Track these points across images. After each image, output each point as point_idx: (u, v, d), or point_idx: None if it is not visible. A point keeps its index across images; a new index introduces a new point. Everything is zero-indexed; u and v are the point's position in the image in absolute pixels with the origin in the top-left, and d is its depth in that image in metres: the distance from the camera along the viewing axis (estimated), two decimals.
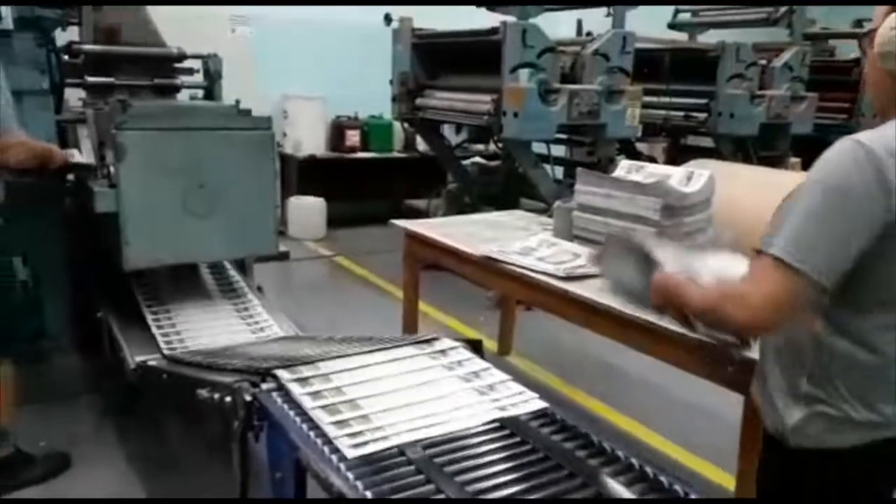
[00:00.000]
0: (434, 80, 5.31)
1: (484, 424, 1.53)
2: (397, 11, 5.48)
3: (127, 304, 2.90)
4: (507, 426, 1.54)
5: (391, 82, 5.42)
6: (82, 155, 3.01)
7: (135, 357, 2.47)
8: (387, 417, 1.50)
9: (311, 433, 1.36)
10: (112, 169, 2.56)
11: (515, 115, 4.23)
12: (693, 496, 1.29)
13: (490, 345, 4.00)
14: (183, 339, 2.62)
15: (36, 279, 3.10)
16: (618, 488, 1.30)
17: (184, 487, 2.53)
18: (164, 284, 2.99)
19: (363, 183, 7.21)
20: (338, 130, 7.28)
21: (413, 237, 3.35)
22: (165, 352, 2.48)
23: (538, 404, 1.64)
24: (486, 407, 1.61)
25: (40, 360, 3.14)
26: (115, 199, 2.56)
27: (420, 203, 6.66)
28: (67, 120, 3.09)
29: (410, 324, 3.52)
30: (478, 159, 6.20)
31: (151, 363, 2.41)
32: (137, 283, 2.96)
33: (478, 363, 1.77)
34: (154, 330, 2.70)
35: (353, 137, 7.31)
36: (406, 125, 5.40)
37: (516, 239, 3.02)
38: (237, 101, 2.95)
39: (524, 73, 4.25)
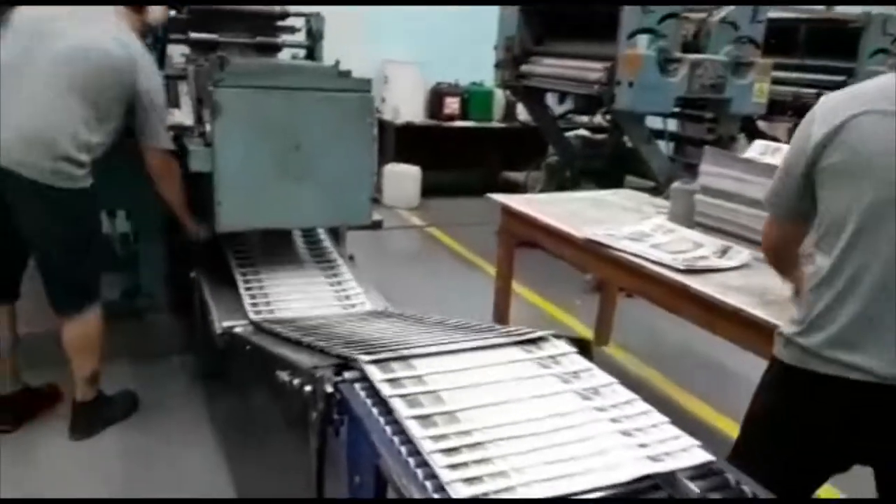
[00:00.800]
0: (541, 46, 5.01)
1: (634, 482, 1.14)
2: None
3: (219, 265, 2.85)
4: (664, 486, 1.17)
5: (495, 48, 5.16)
6: (181, 111, 2.97)
7: (222, 322, 2.40)
8: (504, 448, 1.20)
9: (396, 439, 1.17)
10: (208, 127, 2.48)
11: (630, 84, 3.90)
12: None
13: (585, 332, 3.75)
14: (271, 306, 2.53)
15: (135, 235, 3.11)
16: None
17: (257, 465, 2.48)
18: (257, 248, 2.91)
19: (460, 152, 7.02)
20: (437, 97, 7.10)
21: (510, 213, 3.14)
22: (252, 317, 2.40)
23: (701, 456, 1.24)
24: (632, 454, 1.22)
25: (135, 317, 3.17)
26: (209, 158, 2.48)
27: (518, 175, 6.40)
28: (169, 76, 3.06)
29: (502, 305, 3.32)
30: (582, 131, 5.86)
31: (237, 330, 2.33)
32: (230, 244, 2.90)
33: (598, 376, 1.48)
34: (243, 293, 2.63)
35: (452, 105, 7.12)
36: (508, 93, 5.12)
37: (625, 222, 2.75)
38: (337, 62, 2.80)
39: (643, 39, 3.90)
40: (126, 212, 3.26)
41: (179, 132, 2.69)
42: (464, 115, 7.18)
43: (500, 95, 7.24)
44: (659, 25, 3.93)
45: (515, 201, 3.14)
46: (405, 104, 6.87)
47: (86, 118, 2.34)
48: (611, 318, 3.75)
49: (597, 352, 3.60)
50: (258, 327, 2.31)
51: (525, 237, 3.12)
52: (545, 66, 4.83)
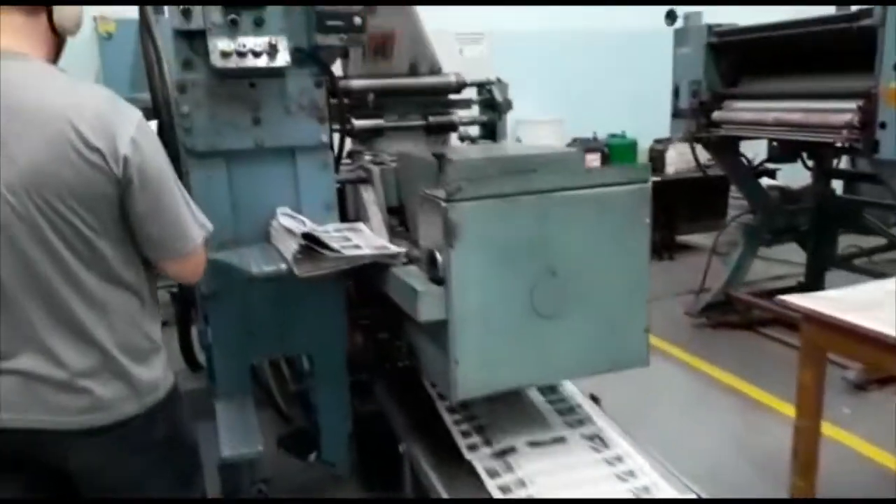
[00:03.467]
0: (735, 87, 4.15)
1: None
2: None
3: (430, 428, 2.09)
4: None
5: (676, 93, 4.33)
6: (369, 225, 2.25)
7: None
8: None
9: None
10: (438, 256, 1.73)
11: None
12: None
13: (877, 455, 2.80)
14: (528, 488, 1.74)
15: (314, 386, 2.39)
16: None
17: None
18: (479, 404, 2.13)
19: None
20: None
21: (818, 322, 2.24)
22: None
23: None
24: None
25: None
26: (442, 301, 1.72)
27: (699, 238, 5.48)
28: (348, 180, 2.37)
29: (807, 451, 2.38)
30: (776, 182, 4.92)
31: None
32: (443, 405, 2.13)
33: None
34: (486, 478, 1.84)
35: (593, 161, 6.31)
36: (696, 145, 4.27)
37: None
38: (575, 142, 2.02)
39: None
40: (299, 357, 2.56)
41: (383, 259, 1.96)
42: None
43: (643, 147, 6.45)
44: None
45: (828, 305, 2.24)
46: None
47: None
48: None
49: None
50: None
51: (853, 356, 2.22)
52: (748, 112, 3.95)
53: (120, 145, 1.31)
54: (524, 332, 1.80)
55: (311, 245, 1.85)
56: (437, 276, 1.74)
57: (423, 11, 2.85)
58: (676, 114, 4.35)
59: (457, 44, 5.85)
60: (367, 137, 2.82)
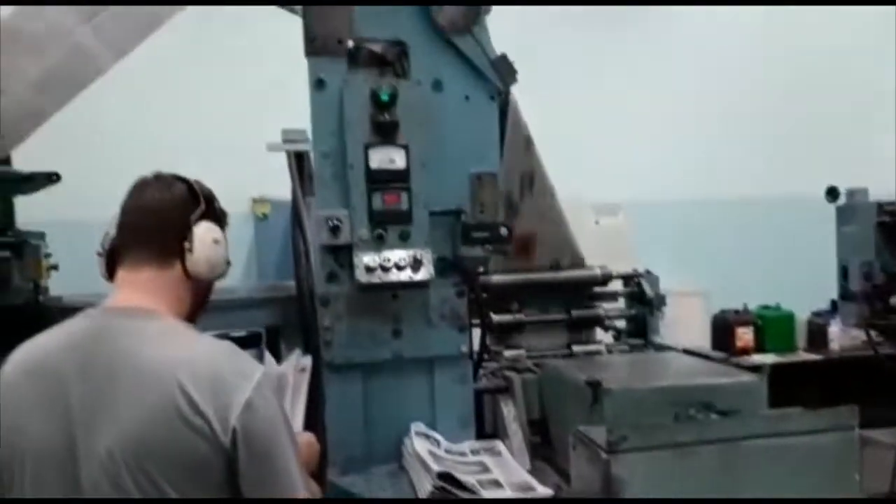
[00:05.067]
0: None
1: None
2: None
3: None
4: None
5: (844, 274, 3.93)
6: (509, 444, 2.02)
7: None
8: None
9: None
10: None
11: None
12: None
13: None
14: None
15: None
16: None
17: None
18: None
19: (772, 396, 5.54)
20: (724, 328, 5.84)
21: None
22: None
23: None
24: None
25: None
26: None
27: (873, 433, 4.73)
28: (487, 390, 2.20)
29: None
30: None
31: None
32: None
33: None
34: None
35: (744, 336, 5.80)
36: (872, 332, 3.78)
37: None
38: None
39: None
40: None
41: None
42: (759, 347, 5.81)
43: (801, 321, 5.88)
44: None
45: None
46: (688, 339, 5.68)
47: None
48: None
49: None
50: None
51: None
52: None
53: (231, 412, 1.21)
54: None
55: (447, 486, 1.65)
56: None
57: (557, 183, 2.75)
58: (846, 296, 3.93)
59: (593, 214, 5.76)
60: (506, 333, 2.67)
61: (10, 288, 2.78)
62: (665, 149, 6.16)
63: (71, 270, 3.23)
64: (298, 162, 3.58)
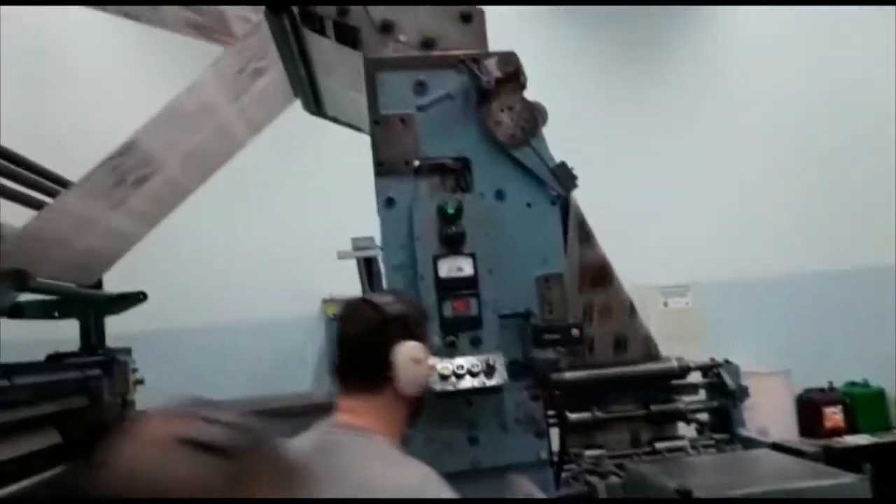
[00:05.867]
0: None
1: None
2: None
3: None
4: None
5: None
6: None
7: None
8: None
9: None
10: None
11: None
12: None
13: None
14: None
15: None
16: None
17: None
18: None
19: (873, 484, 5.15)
20: (810, 408, 5.55)
21: None
22: None
23: None
24: None
25: None
26: None
27: None
28: (570, 497, 2.15)
29: None
30: None
31: None
32: None
33: None
34: None
35: (833, 416, 5.49)
36: None
37: None
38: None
39: None
40: None
41: None
42: (851, 428, 5.47)
43: (893, 396, 5.53)
44: None
45: None
46: (771, 421, 5.41)
47: None
48: None
49: None
50: None
51: None
52: None
53: None
54: None
55: None
56: None
57: (621, 267, 2.73)
58: None
59: (661, 297, 5.68)
60: (584, 431, 2.62)
61: (101, 404, 2.92)
62: (731, 225, 6.07)
63: (154, 381, 3.37)
64: (367, 266, 3.71)
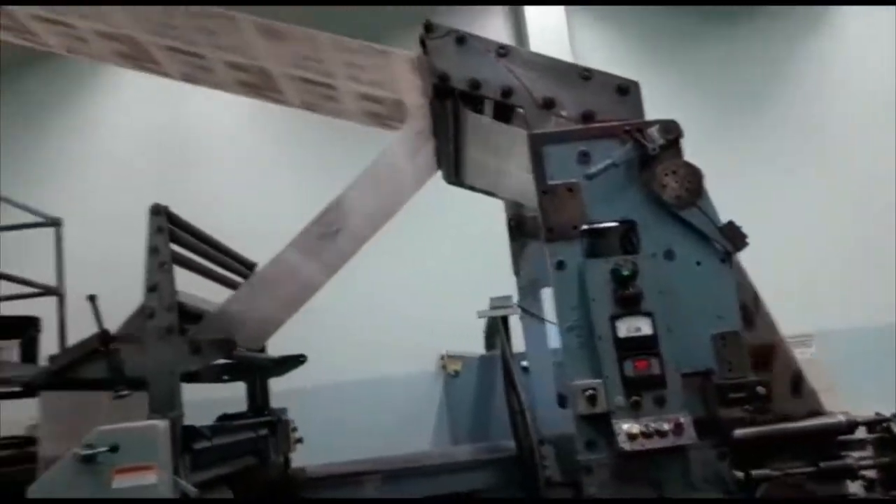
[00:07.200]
0: None
1: None
2: None
3: None
4: None
5: None
6: None
7: None
8: None
9: None
10: None
11: None
12: None
13: None
14: None
15: None
16: None
17: None
18: None
19: None
20: None
21: None
22: None
23: None
24: None
25: None
26: None
27: None
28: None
29: None
30: None
31: None
32: None
33: None
34: None
35: None
36: None
37: None
38: None
39: None
40: None
41: None
42: None
43: None
44: None
45: None
46: None
47: None
48: None
49: None
50: None
51: None
52: None
53: None
54: None
55: None
56: None
57: None
58: None
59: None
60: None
61: (267, 463, 3.08)
62: (846, 273, 5.88)
63: (310, 439, 3.50)
64: (504, 324, 3.79)
